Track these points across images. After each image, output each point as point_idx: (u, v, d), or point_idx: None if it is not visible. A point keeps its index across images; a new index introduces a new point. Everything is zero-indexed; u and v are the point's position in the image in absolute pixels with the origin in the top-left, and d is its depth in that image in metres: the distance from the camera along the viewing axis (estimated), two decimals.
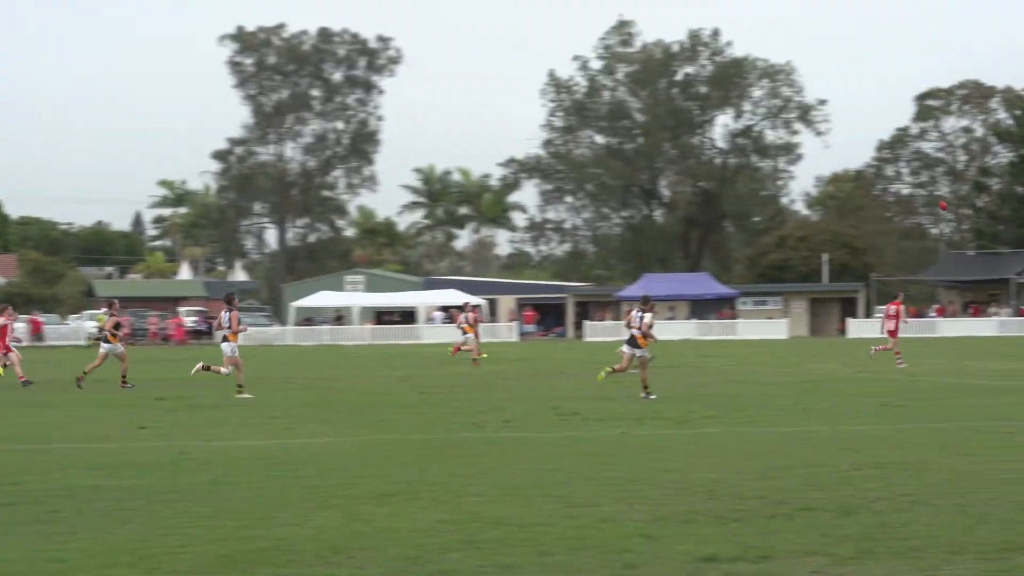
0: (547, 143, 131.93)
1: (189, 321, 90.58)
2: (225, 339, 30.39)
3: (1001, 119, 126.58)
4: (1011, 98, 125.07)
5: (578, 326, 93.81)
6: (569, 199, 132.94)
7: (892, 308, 43.48)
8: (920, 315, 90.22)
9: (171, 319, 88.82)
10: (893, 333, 42.29)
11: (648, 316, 28.46)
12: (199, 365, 31.10)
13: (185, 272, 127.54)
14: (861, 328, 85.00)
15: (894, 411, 24.44)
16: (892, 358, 41.37)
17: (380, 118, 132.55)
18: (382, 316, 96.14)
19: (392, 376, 39.87)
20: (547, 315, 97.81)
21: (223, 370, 30.35)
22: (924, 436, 19.72)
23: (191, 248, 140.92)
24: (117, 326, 34.35)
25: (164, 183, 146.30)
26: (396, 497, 14.03)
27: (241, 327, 30.57)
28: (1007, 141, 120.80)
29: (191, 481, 15.50)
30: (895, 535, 11.61)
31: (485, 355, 48.14)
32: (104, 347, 34.17)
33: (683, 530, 11.97)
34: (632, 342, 28.44)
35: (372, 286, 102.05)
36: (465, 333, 48.04)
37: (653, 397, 27.56)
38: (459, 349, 47.92)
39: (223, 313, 30.51)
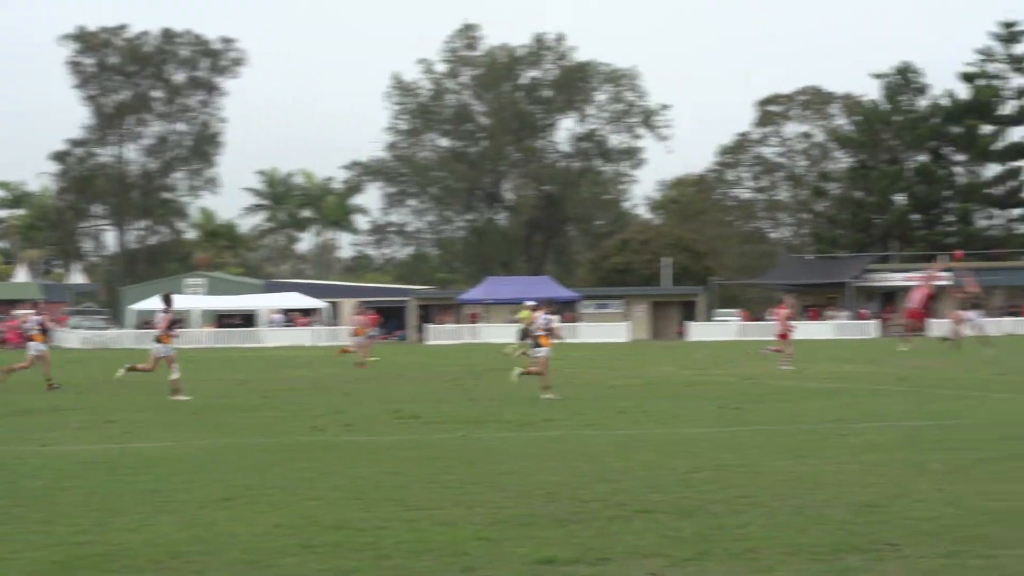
0: (391, 146, 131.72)
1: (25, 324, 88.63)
2: (158, 339, 30.12)
3: (840, 125, 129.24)
4: (850, 104, 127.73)
5: (420, 329, 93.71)
6: (412, 202, 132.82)
7: (780, 312, 44.81)
8: (758, 319, 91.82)
9: (8, 321, 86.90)
10: (783, 336, 43.34)
11: (555, 317, 29.77)
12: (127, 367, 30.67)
13: (22, 275, 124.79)
14: (701, 331, 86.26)
15: (732, 413, 24.82)
16: (780, 358, 42.29)
17: (223, 120, 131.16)
18: (223, 319, 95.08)
19: (233, 379, 39.46)
20: (389, 318, 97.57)
21: (174, 374, 29.99)
22: (761, 438, 20.05)
23: (28, 250, 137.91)
24: (43, 327, 34.41)
25: (1, 184, 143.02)
26: (235, 501, 13.91)
27: (173, 332, 30.37)
28: (846, 147, 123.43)
29: (25, 486, 15.21)
30: (732, 536, 11.81)
31: (374, 358, 48.62)
32: (32, 347, 34.02)
33: (522, 533, 12.04)
34: (536, 343, 29.94)
35: (213, 289, 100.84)
36: (356, 335, 48.60)
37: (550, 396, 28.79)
38: (363, 361, 47.38)
39: (158, 313, 30.68)
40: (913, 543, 11.40)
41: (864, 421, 22.73)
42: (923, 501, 13.59)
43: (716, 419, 23.72)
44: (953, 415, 23.56)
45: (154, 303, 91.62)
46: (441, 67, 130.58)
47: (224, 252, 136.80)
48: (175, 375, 29.88)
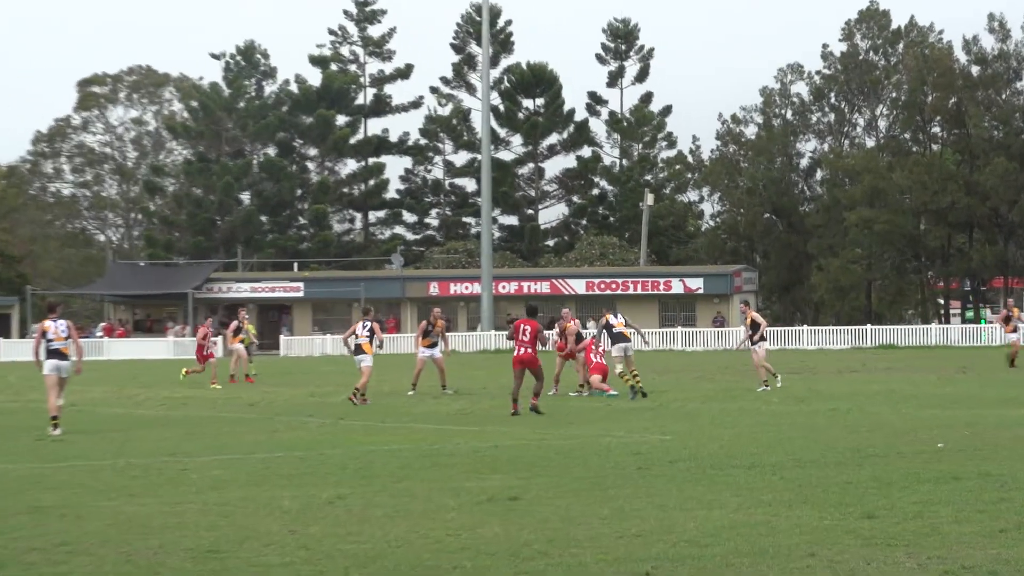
0: None
1: None
2: None
3: (177, 111, 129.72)
4: (186, 88, 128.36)
5: None
6: None
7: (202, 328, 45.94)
8: (86, 334, 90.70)
9: None
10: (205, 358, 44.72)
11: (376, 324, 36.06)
12: None
13: None
14: (15, 350, 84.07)
15: (52, 447, 24.44)
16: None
17: None
18: None
19: None
20: None
21: None
22: (86, 476, 19.82)
23: None
24: None
25: None
26: None
27: None
28: (182, 136, 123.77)
29: None
30: None
31: None
32: None
33: None
34: (359, 349, 35.42)
35: None
36: None
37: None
38: None
39: None
40: None
41: (207, 454, 22.91)
42: (274, 544, 13.82)
43: (32, 453, 23.29)
44: (307, 446, 24.12)
45: None
46: None
47: None
48: None
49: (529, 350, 30.48)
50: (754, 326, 38.72)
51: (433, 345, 40.02)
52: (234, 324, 48.47)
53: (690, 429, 25.85)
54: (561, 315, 40.17)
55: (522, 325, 30.80)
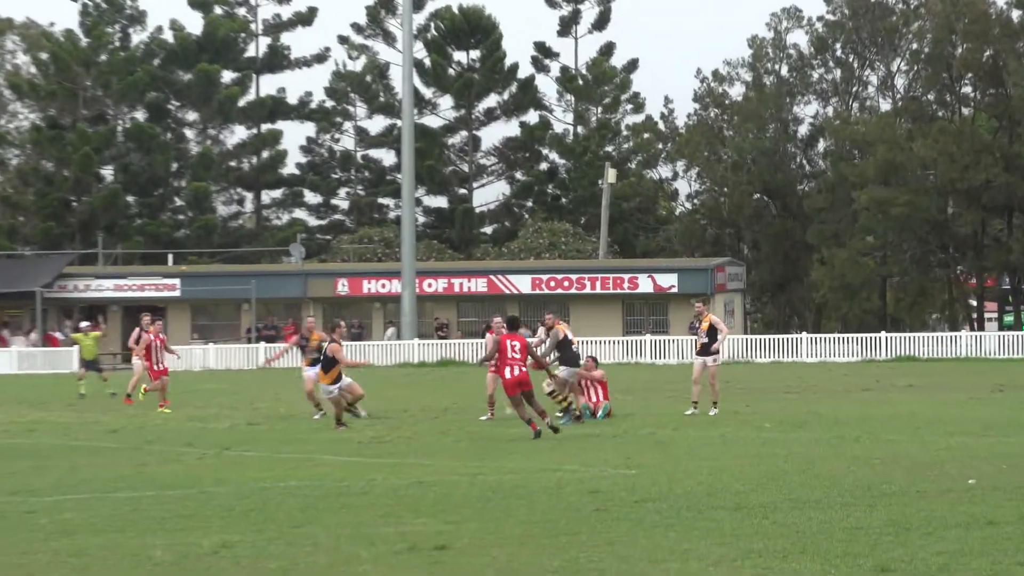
0: None
1: None
2: None
3: (22, 65, 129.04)
4: (33, 36, 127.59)
5: None
6: None
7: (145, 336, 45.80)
8: None
9: None
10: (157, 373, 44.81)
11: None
12: None
13: None
14: None
15: None
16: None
17: None
18: None
19: None
20: None
21: None
22: None
23: None
24: None
25: None
26: None
27: None
28: (28, 96, 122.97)
29: None
30: None
31: None
32: None
33: None
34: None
35: None
36: None
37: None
38: None
39: None
40: None
41: (59, 492, 22.88)
42: None
43: None
44: (184, 482, 24.11)
45: None
46: None
47: None
48: None
49: (524, 368, 31.90)
50: (711, 333, 38.37)
51: (316, 363, 38.76)
52: (137, 333, 48.03)
53: (661, 462, 25.93)
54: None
55: (508, 341, 32.02)
